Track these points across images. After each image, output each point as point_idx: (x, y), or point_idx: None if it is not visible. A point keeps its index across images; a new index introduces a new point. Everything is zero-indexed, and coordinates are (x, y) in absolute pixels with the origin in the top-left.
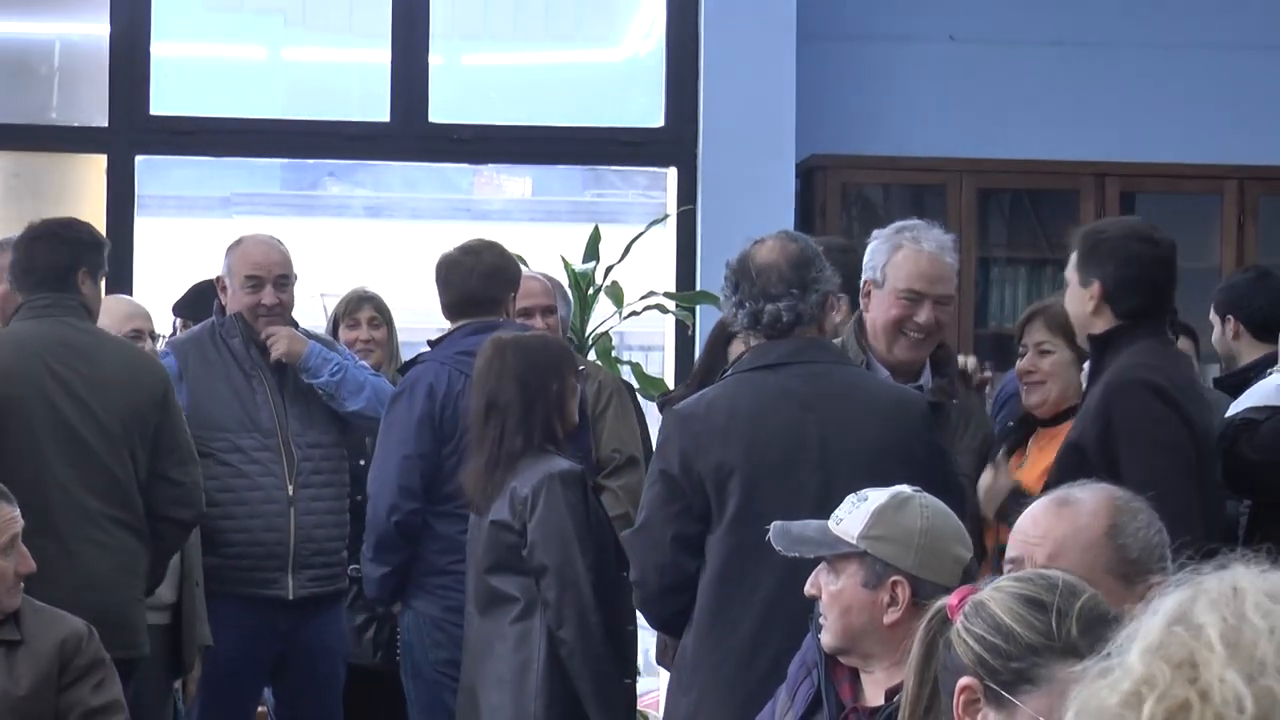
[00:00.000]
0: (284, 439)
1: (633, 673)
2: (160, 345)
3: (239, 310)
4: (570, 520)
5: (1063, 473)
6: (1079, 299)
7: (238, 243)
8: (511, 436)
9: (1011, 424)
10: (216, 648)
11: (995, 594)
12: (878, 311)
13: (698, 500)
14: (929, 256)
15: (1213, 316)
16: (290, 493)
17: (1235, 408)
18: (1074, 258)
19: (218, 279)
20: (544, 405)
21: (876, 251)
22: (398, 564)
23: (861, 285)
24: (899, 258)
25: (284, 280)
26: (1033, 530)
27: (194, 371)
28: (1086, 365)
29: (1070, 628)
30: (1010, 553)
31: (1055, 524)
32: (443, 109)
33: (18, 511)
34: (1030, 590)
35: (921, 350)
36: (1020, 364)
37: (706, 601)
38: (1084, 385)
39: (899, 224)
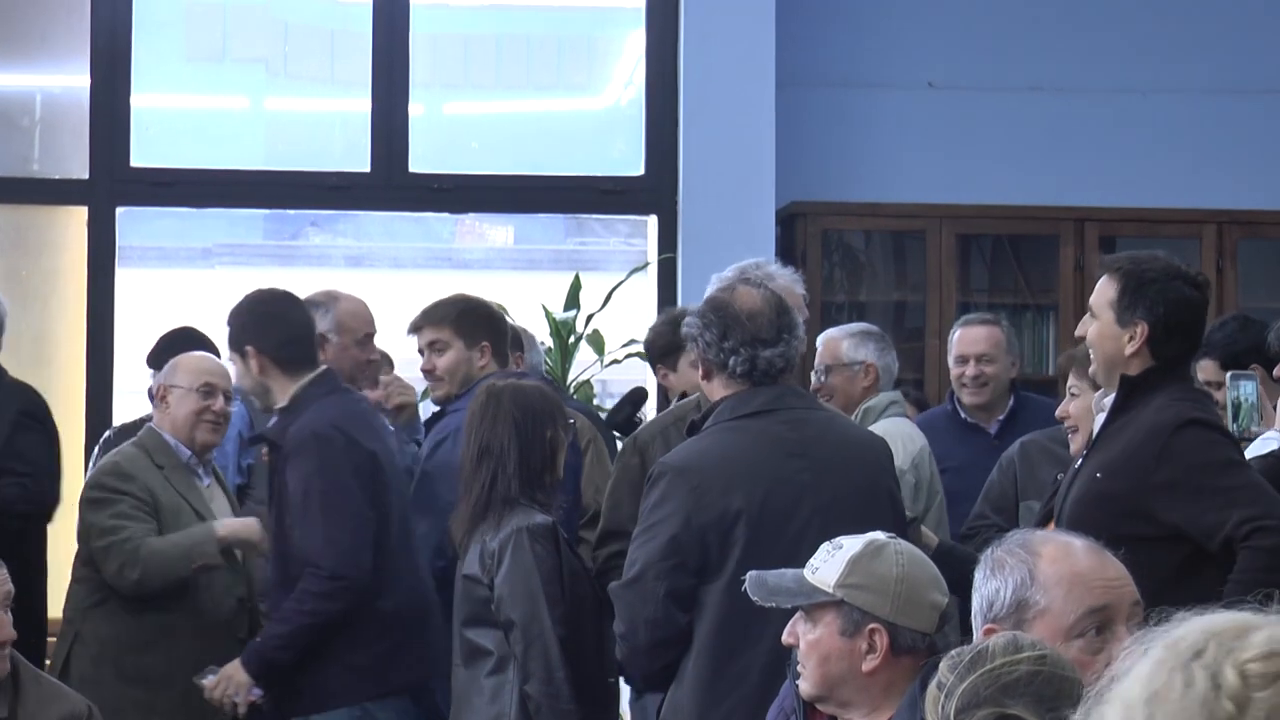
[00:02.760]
0: None
1: None
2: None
3: (346, 367)
4: (537, 574)
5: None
6: (1114, 338)
7: (335, 299)
8: (504, 482)
9: (1059, 477)
10: None
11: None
12: None
13: (695, 554)
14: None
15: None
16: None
17: None
18: (1111, 292)
19: (318, 336)
20: (539, 453)
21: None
22: None
23: None
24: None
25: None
26: (1114, 572)
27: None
28: (1101, 400)
29: (949, 710)
30: (1100, 601)
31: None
32: (423, 159)
33: (6, 573)
34: (945, 665)
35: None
36: (1058, 411)
37: (707, 653)
38: (1098, 421)
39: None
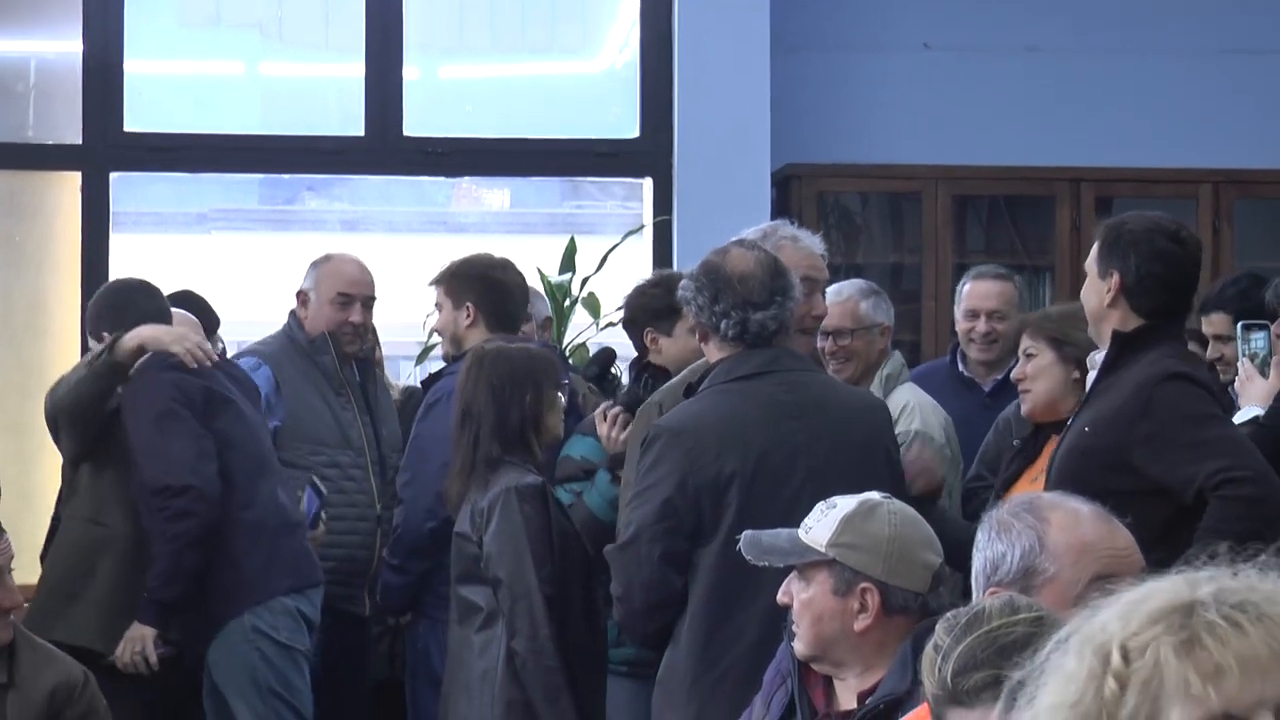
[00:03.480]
0: (373, 457)
1: (603, 685)
2: (233, 351)
3: (325, 327)
4: (525, 533)
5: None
6: (1096, 291)
7: (326, 259)
8: (485, 445)
9: (1016, 441)
10: None
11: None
12: None
13: (690, 517)
14: (807, 251)
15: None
16: (378, 510)
17: None
18: (1095, 249)
19: (299, 293)
20: (518, 415)
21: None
22: (421, 573)
23: None
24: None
25: (371, 301)
26: (1122, 541)
27: (291, 386)
28: (1094, 357)
29: (946, 673)
30: (1107, 570)
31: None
32: (417, 122)
33: (9, 541)
34: (942, 627)
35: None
36: (1014, 373)
37: (702, 615)
38: (1089, 382)
39: (769, 227)
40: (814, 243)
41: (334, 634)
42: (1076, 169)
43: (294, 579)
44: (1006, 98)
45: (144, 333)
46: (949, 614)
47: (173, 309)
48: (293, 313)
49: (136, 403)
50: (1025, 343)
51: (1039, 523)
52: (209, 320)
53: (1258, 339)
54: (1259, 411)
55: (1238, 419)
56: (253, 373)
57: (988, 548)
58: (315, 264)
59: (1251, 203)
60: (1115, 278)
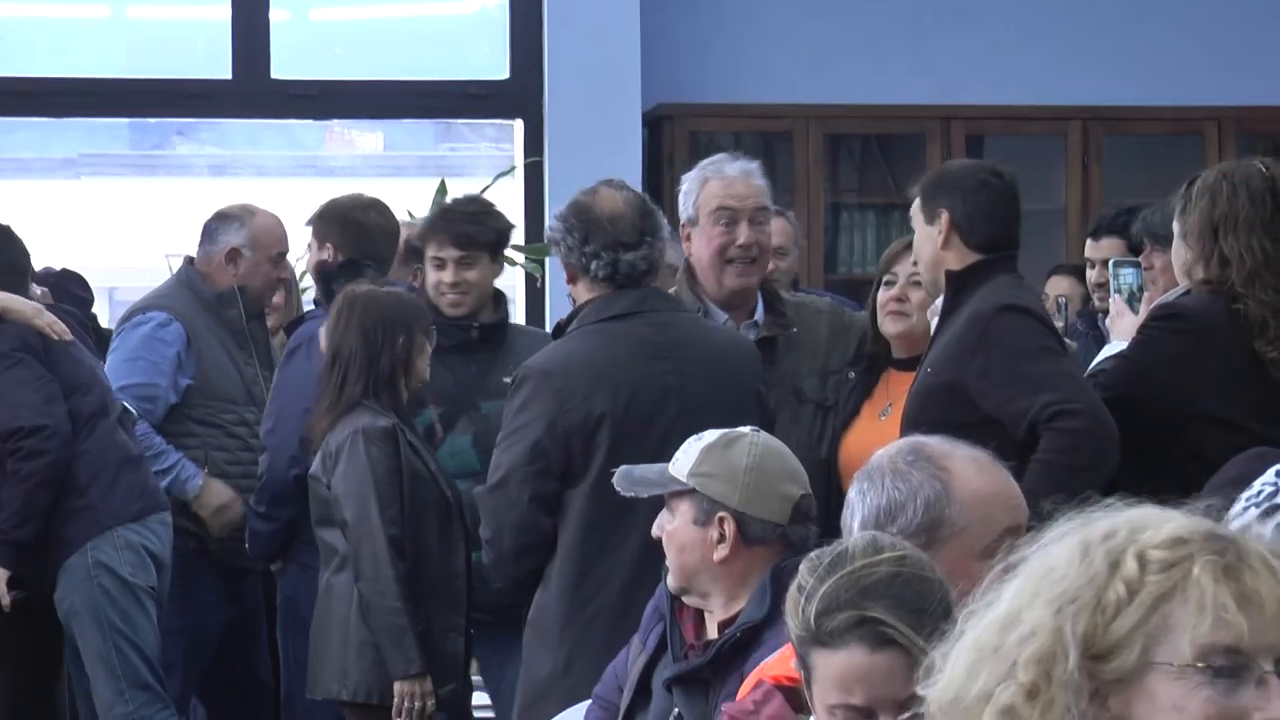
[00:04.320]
0: None
1: (460, 624)
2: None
3: (261, 284)
4: (370, 475)
5: (935, 415)
6: (928, 237)
7: (250, 214)
8: (351, 386)
9: (852, 375)
10: (206, 615)
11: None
12: (700, 247)
13: (559, 458)
14: (735, 177)
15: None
16: None
17: (1090, 366)
18: (917, 201)
19: (230, 250)
20: (389, 359)
21: (688, 193)
22: (287, 520)
23: (681, 231)
24: (707, 189)
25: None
26: (1016, 488)
27: (200, 342)
28: (935, 306)
29: (810, 614)
30: (1014, 520)
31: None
32: (286, 65)
33: None
34: (805, 568)
35: (750, 276)
36: (887, 294)
37: (572, 557)
38: (933, 325)
39: (702, 162)
40: (738, 169)
41: (245, 587)
42: (947, 107)
43: (138, 505)
44: (878, 36)
45: (6, 301)
46: (812, 554)
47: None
48: (191, 264)
49: None
50: (913, 267)
51: (940, 472)
52: (85, 301)
53: (1127, 274)
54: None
55: (1106, 353)
56: (162, 328)
57: (877, 494)
58: (237, 218)
59: (1120, 139)
60: (944, 216)
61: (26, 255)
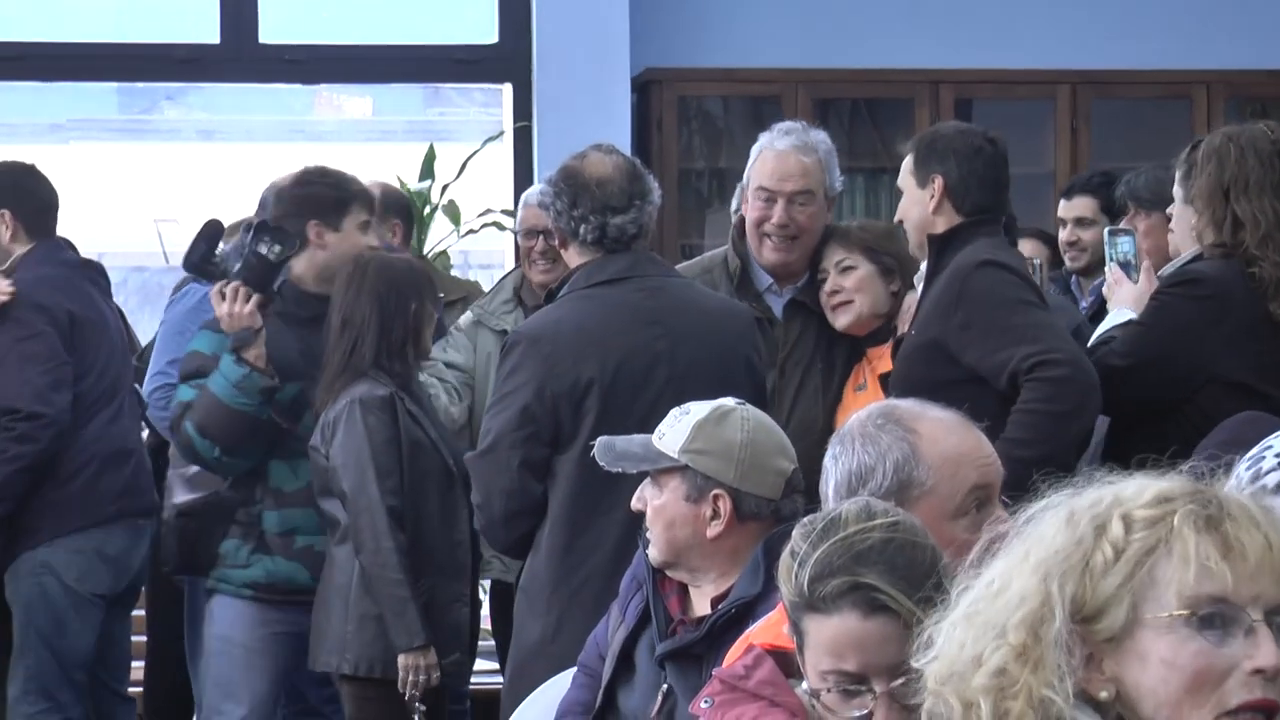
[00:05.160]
0: None
1: (464, 594)
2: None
3: None
4: (368, 445)
5: (919, 373)
6: (919, 201)
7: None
8: (361, 352)
9: None
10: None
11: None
12: (748, 215)
13: (548, 424)
14: (778, 154)
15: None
16: None
17: (1095, 336)
18: (908, 162)
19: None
20: (401, 325)
21: (751, 157)
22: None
23: (741, 191)
24: (759, 161)
25: None
26: (988, 448)
27: None
28: (923, 268)
29: (803, 580)
30: (983, 479)
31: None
32: (274, 29)
33: None
34: (798, 534)
35: (787, 253)
36: (824, 288)
37: (561, 523)
38: (919, 289)
39: (775, 126)
40: (786, 145)
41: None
42: (936, 70)
43: (114, 507)
44: (866, 1)
45: None
46: (805, 520)
47: None
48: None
49: (3, 317)
50: (838, 255)
51: (908, 434)
52: None
53: (1123, 243)
54: (1132, 314)
55: (1110, 322)
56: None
57: (848, 459)
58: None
59: (1109, 103)
60: (938, 180)
61: (55, 193)
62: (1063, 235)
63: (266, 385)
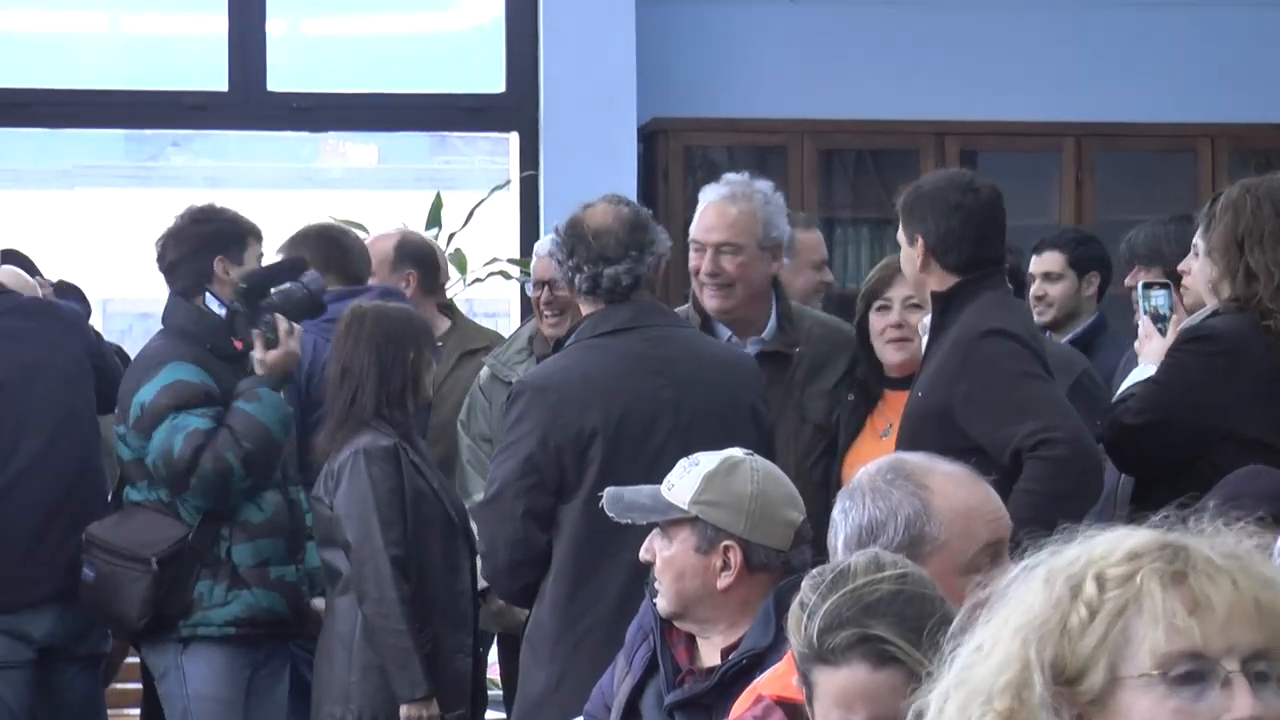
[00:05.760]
0: None
1: (467, 645)
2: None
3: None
4: (372, 495)
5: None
6: (909, 258)
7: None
8: (361, 403)
9: (851, 396)
10: None
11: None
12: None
13: (552, 473)
14: (707, 206)
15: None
16: None
17: (1119, 391)
18: (900, 218)
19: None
20: (400, 374)
21: None
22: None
23: None
24: (698, 214)
25: None
26: (998, 502)
27: None
28: (925, 322)
29: (813, 631)
30: (994, 535)
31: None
32: (282, 77)
33: None
34: (808, 585)
35: (723, 300)
36: (884, 320)
37: (565, 572)
38: (922, 343)
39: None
40: (714, 196)
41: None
42: (941, 122)
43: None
44: (872, 50)
45: None
46: (814, 571)
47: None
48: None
49: None
50: (907, 289)
51: (920, 489)
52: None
53: (1157, 296)
54: (1154, 370)
55: (1133, 378)
56: None
57: (858, 513)
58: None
59: (1114, 155)
60: (920, 241)
61: None
62: (1031, 289)
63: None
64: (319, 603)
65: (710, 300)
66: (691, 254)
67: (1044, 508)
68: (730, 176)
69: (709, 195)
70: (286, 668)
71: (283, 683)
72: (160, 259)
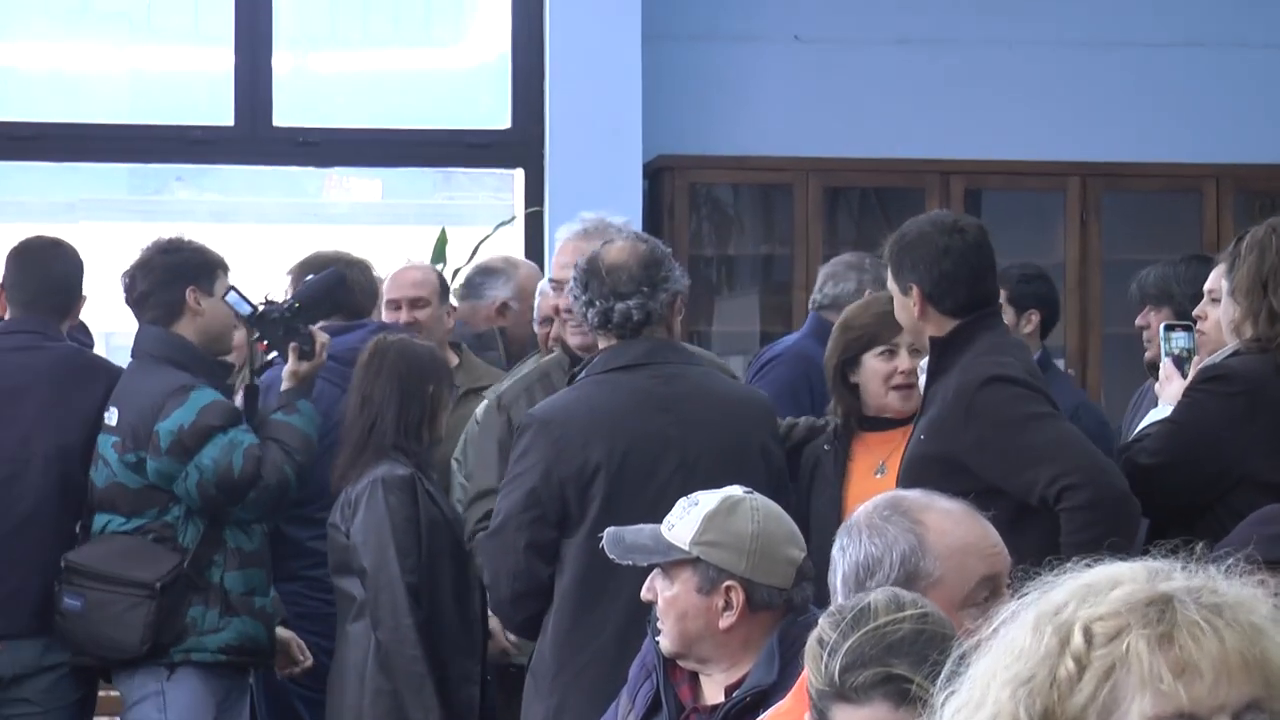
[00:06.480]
0: None
1: (475, 672)
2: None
3: (524, 335)
4: (389, 523)
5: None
6: (904, 308)
7: (515, 266)
8: (381, 432)
9: (826, 447)
10: None
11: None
12: None
13: (555, 507)
14: (564, 244)
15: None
16: None
17: (1136, 430)
18: (889, 266)
19: (501, 304)
20: (418, 406)
21: None
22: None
23: None
24: (555, 249)
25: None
26: (995, 537)
27: None
28: (922, 364)
29: (834, 670)
30: (991, 569)
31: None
32: (288, 112)
33: None
34: (827, 623)
35: (584, 336)
36: (889, 366)
37: (567, 606)
38: (920, 383)
39: None
40: (577, 236)
41: None
42: (946, 161)
43: None
44: (877, 89)
45: None
46: (833, 609)
47: None
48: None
49: None
50: (910, 338)
51: (915, 525)
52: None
53: (1179, 338)
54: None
55: (1150, 418)
56: None
57: (855, 550)
58: (503, 272)
59: (1119, 195)
60: (915, 290)
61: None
62: None
63: None
64: (284, 632)
65: (574, 337)
66: (549, 294)
67: (1096, 550)
68: (585, 214)
69: (564, 234)
70: (246, 699)
71: (242, 716)
72: (129, 290)
